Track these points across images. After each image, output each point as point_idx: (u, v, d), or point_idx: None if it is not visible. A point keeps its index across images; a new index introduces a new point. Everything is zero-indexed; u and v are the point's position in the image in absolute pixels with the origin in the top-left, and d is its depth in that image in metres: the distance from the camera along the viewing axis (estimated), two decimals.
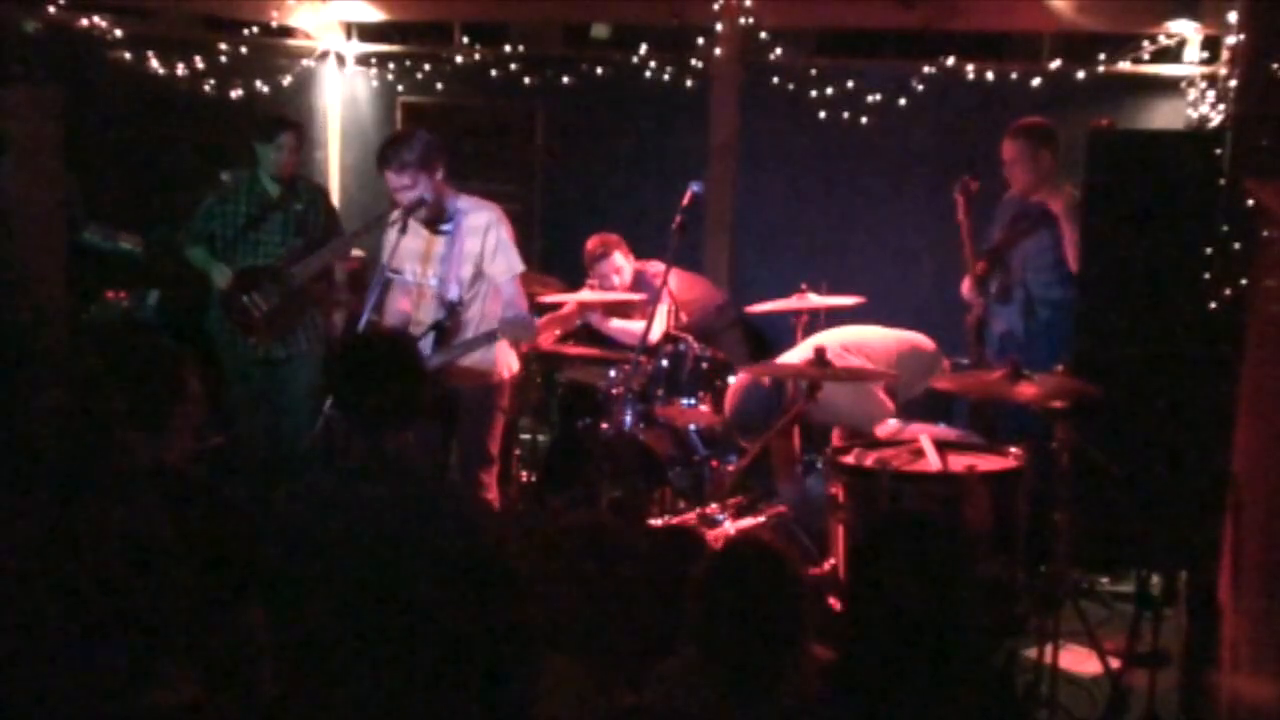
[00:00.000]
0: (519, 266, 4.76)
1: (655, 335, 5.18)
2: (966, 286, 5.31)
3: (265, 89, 6.75)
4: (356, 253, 6.76)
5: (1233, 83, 4.60)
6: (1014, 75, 6.18)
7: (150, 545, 2.24)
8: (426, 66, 7.01)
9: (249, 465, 5.33)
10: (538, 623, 2.45)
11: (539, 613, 2.46)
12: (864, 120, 6.30)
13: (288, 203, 5.39)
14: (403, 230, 4.64)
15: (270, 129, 5.35)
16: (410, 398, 3.11)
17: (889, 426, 4.64)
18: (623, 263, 5.85)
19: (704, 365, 5.24)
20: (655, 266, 5.74)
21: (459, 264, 4.71)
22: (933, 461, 4.15)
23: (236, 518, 3.00)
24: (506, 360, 4.90)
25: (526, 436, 5.96)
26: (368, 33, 7.21)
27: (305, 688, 2.79)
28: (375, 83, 7.20)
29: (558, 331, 5.84)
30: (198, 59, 6.49)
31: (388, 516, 2.93)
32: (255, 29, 6.75)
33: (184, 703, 2.20)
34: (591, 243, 5.87)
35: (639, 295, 5.81)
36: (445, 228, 4.76)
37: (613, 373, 5.41)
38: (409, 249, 4.83)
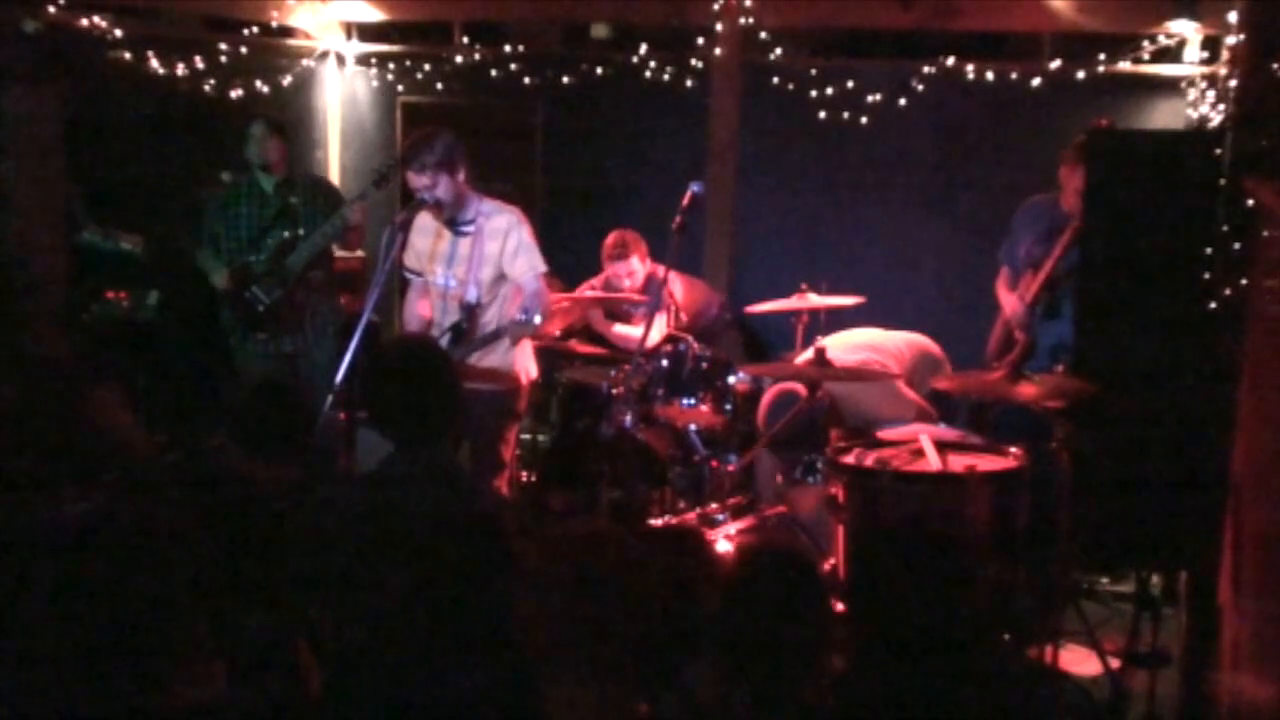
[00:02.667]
0: (541, 266, 4.77)
1: (653, 341, 5.19)
2: (1016, 307, 5.21)
3: (265, 89, 6.75)
4: (358, 253, 6.77)
5: (1233, 83, 4.60)
6: (1014, 75, 6.19)
7: (169, 539, 2.24)
8: (426, 66, 7.01)
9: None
10: (547, 632, 2.44)
11: (548, 623, 2.45)
12: (864, 120, 6.31)
13: (283, 196, 5.46)
14: (403, 229, 4.64)
15: (245, 124, 5.49)
16: (446, 405, 3.07)
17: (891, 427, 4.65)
18: (637, 267, 5.84)
19: (704, 365, 5.24)
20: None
21: (479, 266, 4.72)
22: (933, 461, 4.15)
23: (255, 514, 3.00)
24: (525, 365, 4.89)
25: (526, 436, 5.96)
26: (368, 33, 7.20)
27: (333, 688, 2.79)
28: (375, 83, 7.20)
29: (557, 332, 5.84)
30: (198, 59, 6.50)
31: (433, 526, 2.87)
32: (255, 29, 6.74)
33: (206, 699, 2.20)
34: (612, 238, 5.86)
35: (641, 297, 5.82)
36: (467, 229, 4.76)
37: (613, 372, 5.41)
38: (423, 249, 4.84)
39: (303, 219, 5.45)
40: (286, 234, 5.41)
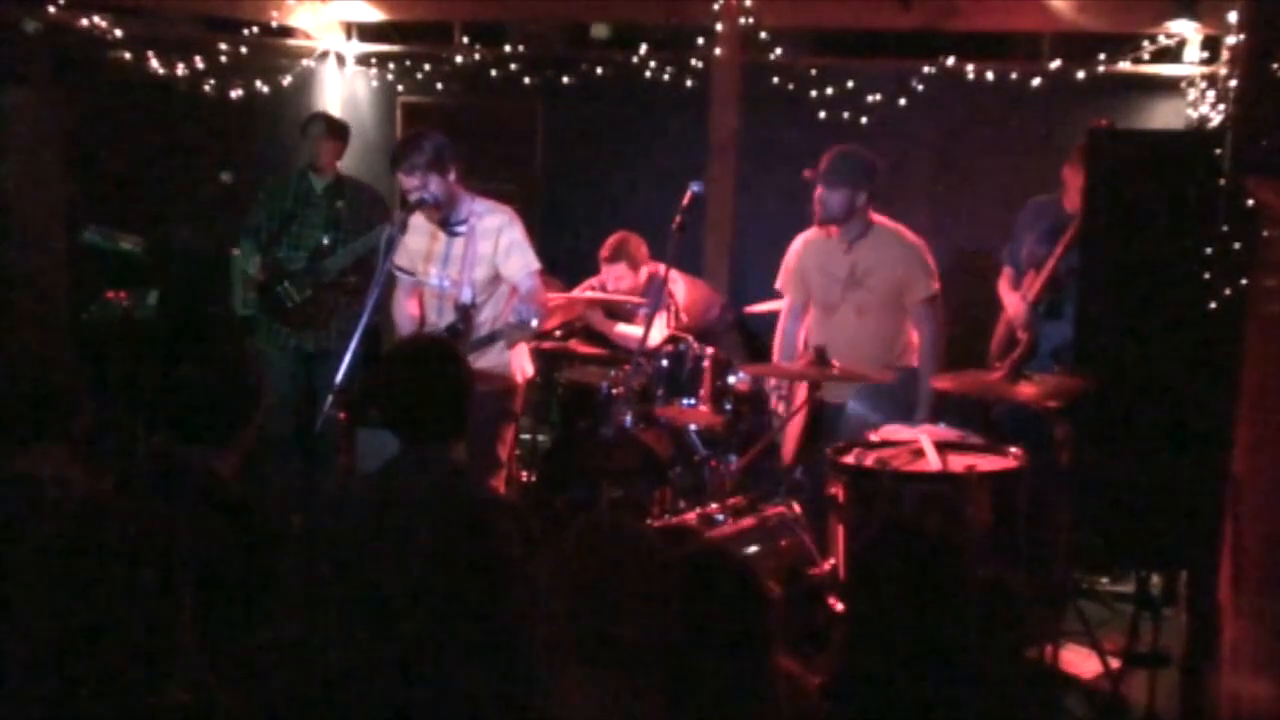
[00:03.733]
0: (535, 264, 4.77)
1: (654, 341, 5.19)
2: (1019, 307, 5.18)
3: (265, 89, 6.75)
4: None
5: (1233, 83, 4.60)
6: (1014, 75, 6.18)
7: (166, 538, 2.24)
8: (426, 66, 7.01)
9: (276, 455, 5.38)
10: (556, 629, 2.43)
11: (557, 619, 2.44)
12: (864, 120, 6.30)
13: (330, 199, 5.56)
14: (401, 230, 4.65)
15: (304, 122, 5.67)
16: (459, 409, 3.06)
17: (890, 428, 4.64)
18: (625, 274, 5.82)
19: (704, 365, 5.24)
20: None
21: (473, 266, 4.72)
22: (933, 461, 4.15)
23: (259, 521, 2.98)
24: (520, 364, 4.90)
25: (526, 436, 5.96)
26: (368, 33, 7.20)
27: (335, 688, 2.79)
28: (375, 83, 7.20)
29: (558, 332, 5.84)
30: (198, 59, 6.49)
31: (439, 527, 2.83)
32: (255, 29, 6.74)
33: (195, 700, 2.20)
34: (611, 240, 5.85)
35: (640, 299, 5.83)
36: (460, 229, 4.76)
37: (613, 372, 5.40)
38: (416, 249, 4.84)
39: (346, 223, 5.52)
40: (328, 237, 5.49)
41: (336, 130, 5.70)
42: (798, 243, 5.35)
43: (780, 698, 2.50)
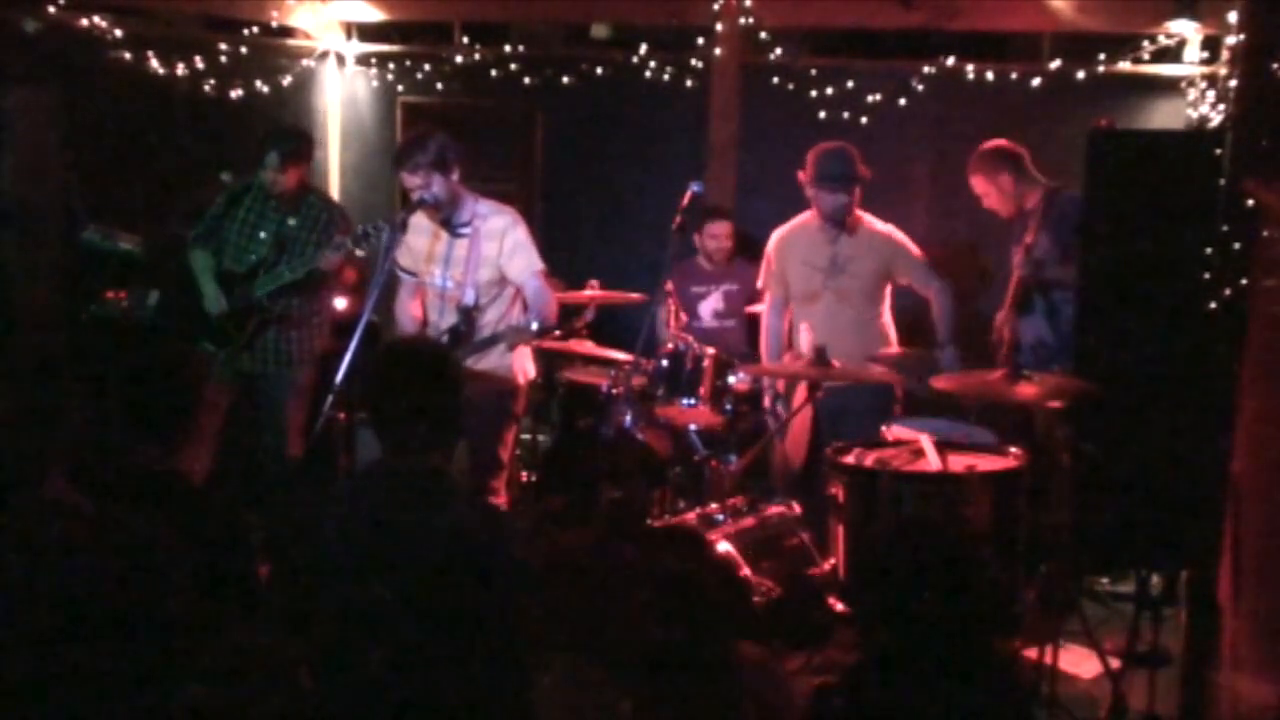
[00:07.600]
0: (538, 264, 4.78)
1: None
2: (1001, 318, 5.24)
3: (265, 89, 6.75)
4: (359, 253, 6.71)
5: (1233, 83, 4.61)
6: (1014, 75, 6.19)
7: (153, 551, 2.24)
8: (426, 66, 7.01)
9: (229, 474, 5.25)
10: (543, 626, 2.43)
11: (545, 617, 2.44)
12: (864, 120, 6.31)
13: (283, 215, 5.26)
14: (401, 229, 4.65)
15: (260, 149, 5.21)
16: (451, 414, 3.00)
17: (898, 427, 4.65)
18: (721, 232, 6.10)
19: (704, 365, 5.25)
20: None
21: (476, 268, 4.72)
22: (933, 461, 4.16)
23: (237, 527, 2.98)
24: (523, 365, 4.90)
25: (527, 436, 5.96)
26: (368, 33, 7.21)
27: (322, 694, 2.78)
28: (375, 83, 7.20)
29: (558, 332, 5.83)
30: (198, 59, 6.50)
31: (417, 533, 2.83)
32: (255, 29, 6.75)
33: (187, 705, 2.20)
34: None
35: (639, 296, 5.84)
36: (464, 230, 4.76)
37: (613, 372, 5.41)
38: (417, 250, 4.83)
39: (291, 244, 5.21)
40: (271, 255, 5.20)
41: (294, 155, 5.22)
42: (774, 240, 5.49)
43: (748, 684, 2.50)
